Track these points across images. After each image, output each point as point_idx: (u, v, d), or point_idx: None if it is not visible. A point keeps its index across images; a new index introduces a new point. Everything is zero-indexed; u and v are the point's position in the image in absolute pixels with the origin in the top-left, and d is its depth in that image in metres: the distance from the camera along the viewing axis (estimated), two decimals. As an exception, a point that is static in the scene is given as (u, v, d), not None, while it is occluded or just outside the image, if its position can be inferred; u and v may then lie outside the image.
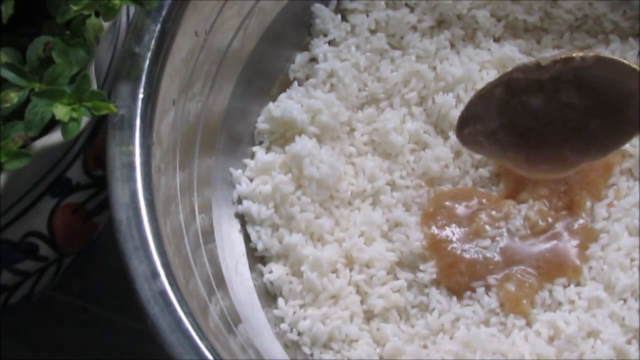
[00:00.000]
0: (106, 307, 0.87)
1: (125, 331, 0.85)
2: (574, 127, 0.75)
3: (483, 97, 0.71)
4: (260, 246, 0.78)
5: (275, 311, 0.77)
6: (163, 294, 0.63)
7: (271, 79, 0.85)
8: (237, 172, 0.80)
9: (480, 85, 0.80)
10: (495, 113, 0.75)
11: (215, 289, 0.72)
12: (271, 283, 0.78)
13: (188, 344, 0.62)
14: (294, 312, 0.76)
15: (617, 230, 0.77)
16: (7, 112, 0.63)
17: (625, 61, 0.67)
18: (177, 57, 0.72)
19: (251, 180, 0.80)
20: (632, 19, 0.85)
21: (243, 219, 0.80)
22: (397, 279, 0.78)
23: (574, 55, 0.67)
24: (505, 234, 0.78)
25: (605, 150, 0.77)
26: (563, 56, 0.67)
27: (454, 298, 0.76)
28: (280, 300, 0.77)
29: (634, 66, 0.67)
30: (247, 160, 0.81)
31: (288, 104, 0.82)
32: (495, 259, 0.77)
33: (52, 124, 0.63)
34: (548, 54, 0.85)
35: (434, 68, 0.85)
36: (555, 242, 0.78)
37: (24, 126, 0.62)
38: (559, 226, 0.78)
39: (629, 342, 0.73)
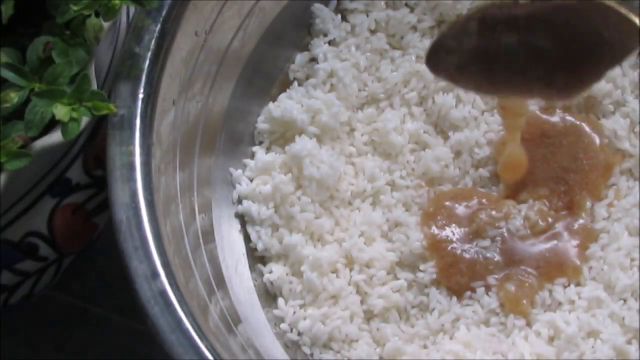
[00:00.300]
0: (106, 307, 0.87)
1: (125, 331, 0.85)
2: (544, 65, 0.71)
3: (455, 30, 0.69)
4: (260, 246, 0.78)
5: (275, 311, 0.77)
6: (163, 294, 0.63)
7: (271, 79, 0.85)
8: (237, 172, 0.80)
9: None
10: (467, 46, 0.72)
11: (215, 289, 0.72)
12: (271, 283, 0.78)
13: (188, 344, 0.62)
14: (294, 312, 0.76)
15: (617, 230, 0.77)
16: (7, 112, 0.63)
17: (610, 3, 0.65)
18: (177, 57, 0.72)
19: (251, 180, 0.80)
20: (632, 19, 0.85)
21: (243, 219, 0.80)
22: (397, 279, 0.78)
23: None
24: (505, 234, 0.78)
25: (574, 91, 0.74)
26: None
27: (454, 298, 0.76)
28: (280, 300, 0.77)
29: (616, 7, 0.65)
30: (247, 160, 0.81)
31: (288, 104, 0.82)
32: (495, 259, 0.77)
33: (52, 124, 0.63)
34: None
35: (434, 68, 0.85)
36: (555, 242, 0.78)
37: (24, 126, 0.62)
38: (559, 226, 0.79)
39: (629, 342, 0.73)
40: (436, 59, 0.70)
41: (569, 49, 0.66)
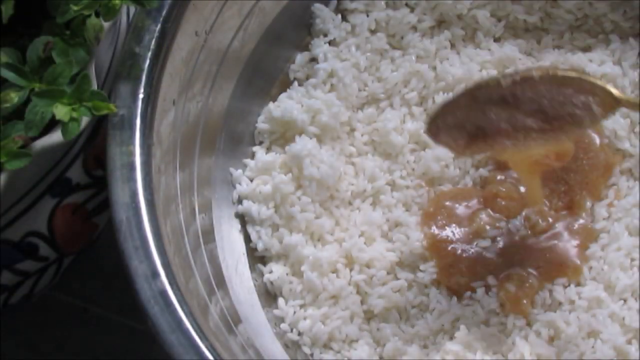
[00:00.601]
0: (106, 307, 0.87)
1: (125, 331, 0.85)
2: (533, 127, 0.74)
3: (449, 105, 0.73)
4: (260, 246, 0.78)
5: (276, 311, 0.77)
6: (163, 294, 0.63)
7: (271, 79, 0.85)
8: (237, 172, 0.80)
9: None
10: (461, 119, 0.74)
11: (216, 288, 0.72)
12: (271, 283, 0.78)
13: (188, 344, 0.61)
14: (294, 312, 0.76)
15: (617, 230, 0.77)
16: (7, 112, 0.63)
17: (584, 75, 0.71)
18: (177, 57, 0.72)
19: (251, 180, 0.80)
20: (632, 19, 0.85)
21: (243, 219, 0.80)
22: (397, 279, 0.78)
23: (533, 74, 0.70)
24: (505, 234, 0.78)
25: (563, 140, 0.76)
26: (522, 75, 0.70)
27: (454, 298, 0.76)
28: (281, 300, 0.77)
29: (593, 79, 0.70)
30: (247, 160, 0.81)
31: (288, 104, 0.82)
32: (496, 259, 0.77)
33: (52, 124, 0.63)
34: (548, 53, 0.86)
35: (434, 68, 0.85)
36: (555, 242, 0.78)
37: (24, 126, 0.62)
38: (559, 226, 0.78)
39: (629, 342, 0.73)
40: (434, 130, 0.73)
41: (551, 114, 0.70)
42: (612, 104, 0.69)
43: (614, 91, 0.69)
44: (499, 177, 0.80)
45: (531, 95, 0.69)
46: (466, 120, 0.71)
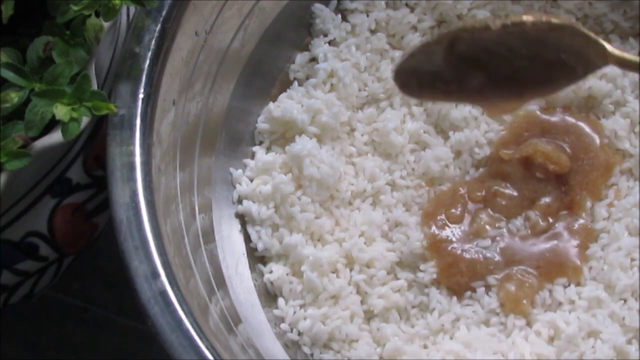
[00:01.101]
0: (106, 307, 0.87)
1: (125, 331, 0.85)
2: (513, 76, 0.72)
3: (422, 52, 0.69)
4: (260, 246, 0.78)
5: (276, 311, 0.77)
6: (163, 294, 0.63)
7: (271, 79, 0.85)
8: (237, 172, 0.80)
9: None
10: (434, 66, 0.72)
11: (216, 289, 0.72)
12: (271, 283, 0.78)
13: (188, 344, 0.62)
14: (294, 312, 0.76)
15: (617, 230, 0.77)
16: (7, 112, 0.63)
17: (578, 26, 0.67)
18: (177, 57, 0.72)
19: (251, 180, 0.80)
20: (632, 19, 0.85)
21: (243, 219, 0.80)
22: (397, 279, 0.78)
23: (524, 19, 0.67)
24: (505, 234, 0.78)
25: (547, 93, 0.75)
26: (514, 20, 0.67)
27: (454, 298, 0.76)
28: (281, 300, 0.77)
29: (587, 31, 0.67)
30: (247, 160, 0.81)
31: (288, 104, 0.82)
32: (496, 259, 0.77)
33: (52, 124, 0.63)
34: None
35: (434, 68, 0.85)
36: (555, 242, 0.78)
37: (24, 126, 0.62)
38: (559, 226, 0.79)
39: (629, 342, 0.73)
40: (403, 77, 0.70)
41: (537, 64, 0.67)
42: (603, 58, 0.67)
43: (607, 46, 0.67)
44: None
45: (520, 42, 0.67)
46: (442, 67, 0.69)
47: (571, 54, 0.66)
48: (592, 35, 0.67)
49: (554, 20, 0.66)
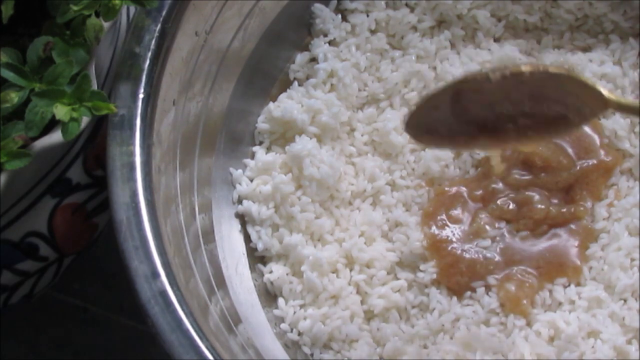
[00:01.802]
0: (106, 307, 0.87)
1: (125, 331, 0.85)
2: (516, 121, 0.73)
3: (430, 103, 0.71)
4: (260, 246, 0.78)
5: (276, 311, 0.77)
6: (163, 294, 0.63)
7: (271, 79, 0.85)
8: (237, 172, 0.80)
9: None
10: (444, 115, 0.73)
11: (216, 289, 0.72)
12: (271, 283, 0.78)
13: (188, 344, 0.61)
14: (294, 312, 0.76)
15: (617, 230, 0.77)
16: (7, 112, 0.63)
17: (573, 74, 0.69)
18: (177, 57, 0.72)
19: (251, 180, 0.80)
20: (632, 19, 0.85)
21: (243, 219, 0.80)
22: (398, 279, 0.78)
23: (522, 69, 0.68)
24: (505, 234, 0.78)
25: (544, 140, 0.77)
26: (512, 70, 0.68)
27: (454, 298, 0.76)
28: (281, 300, 0.77)
29: (582, 78, 0.69)
30: (247, 160, 0.81)
31: (288, 104, 0.82)
32: (496, 259, 0.77)
33: (52, 124, 0.63)
34: (548, 53, 0.86)
35: (434, 68, 0.85)
36: (555, 242, 0.78)
37: (24, 126, 0.62)
38: (559, 226, 0.78)
39: (629, 342, 0.73)
40: (412, 127, 0.71)
41: (538, 113, 0.69)
42: (601, 105, 0.68)
43: (604, 92, 0.68)
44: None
45: (520, 91, 0.68)
46: (448, 117, 0.70)
47: (570, 102, 0.68)
48: (590, 81, 0.68)
49: (551, 69, 0.68)
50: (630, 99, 0.72)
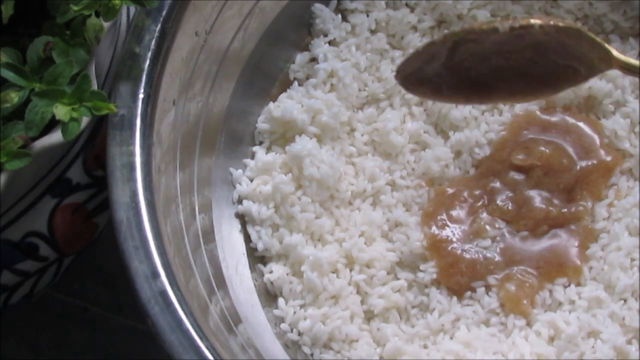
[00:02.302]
0: (106, 307, 0.87)
1: (125, 331, 0.85)
2: (518, 76, 0.72)
3: (427, 51, 0.70)
4: (260, 246, 0.78)
5: (276, 311, 0.77)
6: (163, 294, 0.63)
7: (271, 79, 0.85)
8: (237, 172, 0.80)
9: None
10: (438, 66, 0.72)
11: (216, 289, 0.72)
12: (271, 283, 0.78)
13: (188, 344, 0.62)
14: (294, 312, 0.76)
15: (617, 230, 0.77)
16: (7, 112, 0.63)
17: (584, 29, 0.68)
18: (177, 57, 0.72)
19: (251, 180, 0.80)
20: (632, 19, 0.85)
21: (243, 219, 0.80)
22: (398, 279, 0.78)
23: (532, 22, 0.67)
24: (505, 234, 0.78)
25: (548, 95, 0.77)
26: (522, 23, 0.67)
27: (454, 298, 0.76)
28: (281, 300, 0.77)
29: (593, 36, 0.68)
30: (247, 160, 0.81)
31: (288, 104, 0.82)
32: (496, 259, 0.77)
33: (52, 124, 0.63)
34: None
35: (434, 68, 0.85)
36: (555, 242, 0.78)
37: (24, 126, 0.62)
38: (559, 226, 0.78)
39: (629, 342, 0.73)
40: (406, 75, 0.71)
41: (541, 66, 0.68)
42: (607, 63, 0.67)
43: (613, 50, 0.67)
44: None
45: (524, 43, 0.67)
46: (441, 68, 0.69)
47: (576, 56, 0.67)
48: (598, 39, 0.68)
49: (561, 23, 0.67)
50: (635, 60, 0.71)
